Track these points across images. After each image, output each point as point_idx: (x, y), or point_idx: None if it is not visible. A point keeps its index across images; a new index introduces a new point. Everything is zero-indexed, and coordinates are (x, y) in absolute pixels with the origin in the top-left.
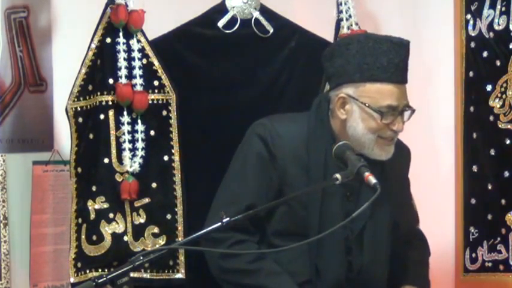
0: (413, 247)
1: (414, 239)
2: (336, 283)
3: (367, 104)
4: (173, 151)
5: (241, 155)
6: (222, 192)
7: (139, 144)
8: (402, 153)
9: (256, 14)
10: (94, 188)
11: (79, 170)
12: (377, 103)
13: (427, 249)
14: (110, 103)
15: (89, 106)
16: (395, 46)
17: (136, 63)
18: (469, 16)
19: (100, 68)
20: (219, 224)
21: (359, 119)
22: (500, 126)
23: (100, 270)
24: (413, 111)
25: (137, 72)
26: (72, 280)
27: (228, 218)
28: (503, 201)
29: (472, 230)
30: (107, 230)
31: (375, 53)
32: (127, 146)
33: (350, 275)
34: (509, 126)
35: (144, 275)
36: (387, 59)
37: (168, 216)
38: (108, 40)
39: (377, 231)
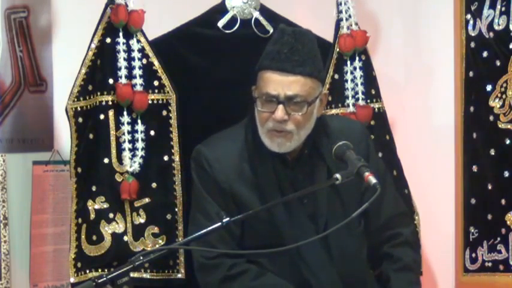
0: (397, 268)
1: (394, 246)
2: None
3: (253, 92)
4: (173, 151)
5: (192, 185)
6: (192, 224)
7: (139, 144)
8: (351, 135)
9: (256, 14)
10: (94, 188)
11: (79, 170)
12: (259, 90)
13: (410, 259)
14: (110, 103)
15: (89, 106)
16: (286, 36)
17: (136, 63)
18: (469, 16)
19: (100, 68)
20: (219, 224)
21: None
22: (500, 126)
23: (100, 270)
24: (307, 103)
25: (137, 72)
26: (72, 280)
27: (228, 218)
28: (503, 201)
29: (472, 230)
30: (106, 230)
31: (271, 42)
32: (127, 146)
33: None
34: (509, 126)
35: (144, 275)
36: (276, 47)
37: (168, 216)
38: (108, 40)
39: (340, 228)
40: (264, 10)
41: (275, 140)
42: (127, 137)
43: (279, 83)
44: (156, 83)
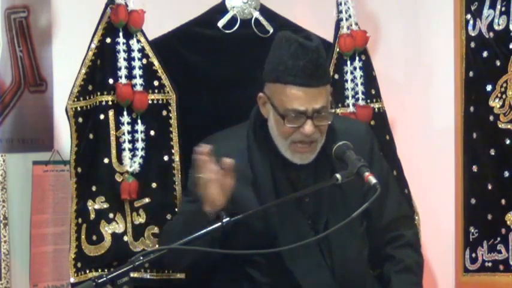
0: (398, 269)
1: (397, 248)
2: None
3: (275, 106)
4: (173, 151)
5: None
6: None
7: (139, 144)
8: (355, 136)
9: (256, 14)
10: (94, 188)
11: (79, 170)
12: (283, 106)
13: (412, 261)
14: (110, 103)
15: (89, 106)
16: (311, 52)
17: (136, 63)
18: (469, 16)
19: (100, 68)
20: (219, 224)
21: (273, 120)
22: (500, 126)
23: (100, 270)
24: (331, 114)
25: (137, 72)
26: (72, 280)
27: (228, 218)
28: (503, 201)
29: (472, 230)
30: (106, 230)
31: (285, 54)
32: (127, 146)
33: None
34: (509, 126)
35: (144, 275)
36: (300, 63)
37: (168, 216)
38: (108, 40)
39: (342, 228)
40: (264, 10)
41: (297, 155)
42: (127, 137)
43: (305, 98)
44: (156, 83)
